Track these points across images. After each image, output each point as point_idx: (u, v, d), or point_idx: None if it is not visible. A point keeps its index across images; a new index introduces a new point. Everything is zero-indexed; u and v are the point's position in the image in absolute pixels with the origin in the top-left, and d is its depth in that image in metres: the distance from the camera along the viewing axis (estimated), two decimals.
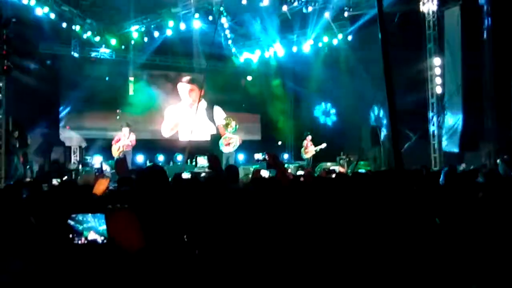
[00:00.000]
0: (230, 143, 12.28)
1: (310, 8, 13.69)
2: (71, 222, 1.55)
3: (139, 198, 2.66)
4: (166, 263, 1.45)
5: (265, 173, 7.96)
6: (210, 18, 13.87)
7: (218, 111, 16.97)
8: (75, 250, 1.56)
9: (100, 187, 3.26)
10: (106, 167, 11.45)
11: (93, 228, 1.54)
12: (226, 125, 12.58)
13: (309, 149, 14.13)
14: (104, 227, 1.47)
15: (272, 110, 17.33)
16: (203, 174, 6.81)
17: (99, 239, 1.54)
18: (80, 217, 1.56)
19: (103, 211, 1.44)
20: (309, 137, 14.25)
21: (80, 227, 1.56)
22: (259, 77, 17.66)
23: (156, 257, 1.41)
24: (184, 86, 16.98)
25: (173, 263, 1.50)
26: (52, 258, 2.00)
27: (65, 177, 6.35)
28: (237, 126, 12.59)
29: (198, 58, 15.58)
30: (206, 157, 12.24)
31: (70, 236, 1.54)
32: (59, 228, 1.85)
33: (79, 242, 1.56)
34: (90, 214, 1.55)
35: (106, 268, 1.61)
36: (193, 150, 13.63)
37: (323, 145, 13.97)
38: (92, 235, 1.55)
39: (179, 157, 14.28)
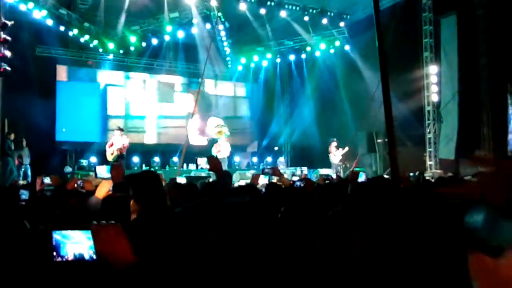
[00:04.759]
0: (220, 150, 12.31)
1: (306, 18, 13.79)
2: (57, 237, 1.49)
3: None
4: (158, 279, 1.40)
5: (262, 179, 7.95)
6: (208, 26, 13.88)
7: (212, 118, 16.87)
8: (59, 267, 1.50)
9: (103, 189, 3.02)
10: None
11: (80, 243, 1.49)
12: (219, 132, 12.66)
13: (336, 154, 13.97)
14: (91, 242, 1.40)
15: (268, 114, 17.31)
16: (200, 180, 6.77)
17: (86, 255, 1.49)
18: (66, 232, 1.51)
19: (89, 227, 1.37)
20: (334, 143, 14.02)
21: (66, 242, 1.51)
22: (256, 81, 17.69)
23: (148, 272, 1.35)
24: (180, 90, 16.94)
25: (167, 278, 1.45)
26: (34, 275, 1.87)
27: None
28: (228, 135, 12.79)
29: (196, 64, 15.56)
30: (206, 159, 12.15)
31: (55, 252, 1.48)
32: (42, 242, 1.71)
33: (64, 259, 1.50)
34: (76, 231, 1.49)
35: (94, 286, 1.54)
36: (190, 155, 13.54)
37: (346, 149, 13.83)
38: (79, 251, 1.50)
39: (175, 159, 14.15)
